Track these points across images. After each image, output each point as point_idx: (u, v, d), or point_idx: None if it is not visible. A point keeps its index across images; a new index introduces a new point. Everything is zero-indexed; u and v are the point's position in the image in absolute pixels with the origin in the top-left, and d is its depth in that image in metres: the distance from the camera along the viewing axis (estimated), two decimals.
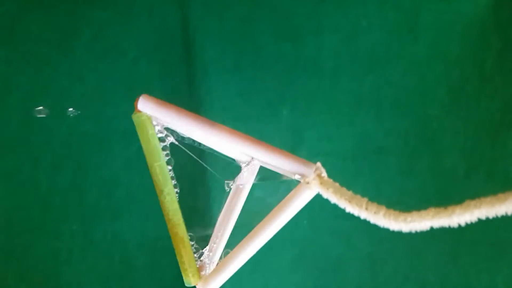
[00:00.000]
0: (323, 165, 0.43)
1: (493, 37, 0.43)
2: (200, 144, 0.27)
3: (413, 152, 0.43)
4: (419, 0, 0.44)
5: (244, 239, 0.28)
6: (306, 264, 0.42)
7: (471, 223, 0.41)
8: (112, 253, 0.42)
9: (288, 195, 0.25)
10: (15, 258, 0.43)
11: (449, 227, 0.41)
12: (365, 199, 0.20)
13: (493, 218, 0.41)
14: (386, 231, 0.42)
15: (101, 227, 0.43)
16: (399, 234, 0.42)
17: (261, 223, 0.27)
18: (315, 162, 0.24)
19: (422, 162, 0.43)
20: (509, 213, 0.17)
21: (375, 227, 0.42)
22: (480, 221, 0.42)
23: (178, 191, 0.27)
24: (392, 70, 0.43)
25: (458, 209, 0.18)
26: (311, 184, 0.22)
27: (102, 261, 0.42)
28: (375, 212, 0.20)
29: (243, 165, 0.27)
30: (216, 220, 0.30)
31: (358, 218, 0.42)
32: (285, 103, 0.43)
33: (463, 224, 0.18)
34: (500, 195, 0.17)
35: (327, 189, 0.22)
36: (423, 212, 0.19)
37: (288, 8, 0.43)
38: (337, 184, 0.22)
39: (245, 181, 0.28)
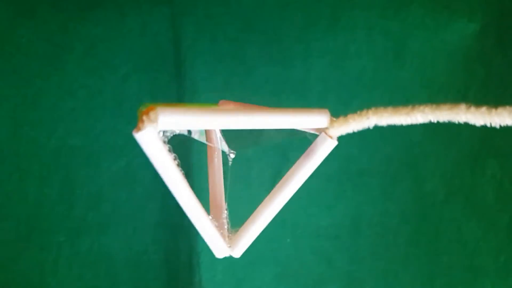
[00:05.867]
0: (309, 185, 0.44)
1: (477, 66, 0.44)
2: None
3: (395, 176, 0.44)
4: (407, 28, 0.44)
5: (270, 194, 0.29)
6: (288, 282, 0.43)
7: (447, 248, 0.43)
8: (98, 266, 0.43)
9: (310, 147, 0.27)
10: (1, 268, 0.43)
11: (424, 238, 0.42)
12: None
13: (469, 244, 0.43)
14: (366, 251, 0.43)
15: (88, 240, 0.43)
16: (379, 254, 0.43)
17: (286, 176, 0.29)
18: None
19: (403, 186, 0.44)
20: None
21: (355, 247, 0.44)
22: (456, 246, 0.43)
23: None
24: (377, 95, 0.44)
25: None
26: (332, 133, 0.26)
27: (87, 274, 0.43)
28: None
29: None
30: None
31: (339, 238, 0.44)
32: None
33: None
34: None
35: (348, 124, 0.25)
36: None
37: (278, 31, 0.44)
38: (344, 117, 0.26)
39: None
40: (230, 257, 0.43)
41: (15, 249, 0.43)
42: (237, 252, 0.31)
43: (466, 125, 0.44)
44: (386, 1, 0.44)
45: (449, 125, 0.44)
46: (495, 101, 0.44)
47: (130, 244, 0.44)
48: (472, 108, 0.23)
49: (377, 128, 0.45)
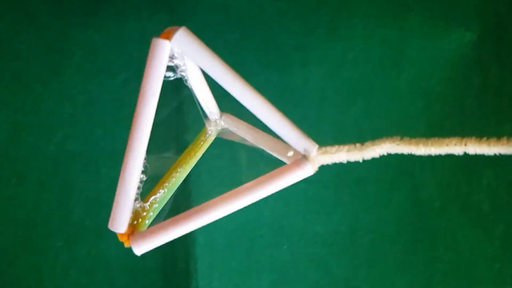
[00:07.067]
0: (306, 192, 0.44)
1: (474, 75, 0.45)
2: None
3: (392, 184, 0.44)
4: (405, 36, 0.45)
5: (220, 197, 0.26)
6: None
7: (443, 256, 0.43)
8: (95, 272, 0.43)
9: (285, 166, 0.26)
10: None
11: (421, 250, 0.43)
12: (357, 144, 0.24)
13: (464, 252, 0.43)
14: (363, 258, 0.43)
15: (85, 245, 0.43)
16: (375, 262, 0.43)
17: (247, 185, 0.26)
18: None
19: (400, 193, 0.44)
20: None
21: (352, 254, 0.44)
22: (452, 254, 0.44)
23: None
24: (375, 103, 0.44)
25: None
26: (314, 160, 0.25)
27: (84, 279, 0.43)
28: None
29: None
30: None
31: (336, 245, 0.44)
32: (271, 131, 0.44)
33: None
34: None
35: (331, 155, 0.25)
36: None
37: (277, 39, 0.44)
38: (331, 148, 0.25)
39: None
40: (227, 264, 0.44)
41: (13, 253, 0.43)
42: (138, 249, 0.26)
43: (463, 133, 0.44)
44: (384, 10, 0.45)
45: (446, 133, 0.45)
46: (491, 110, 0.45)
47: (127, 249, 0.43)
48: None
49: (373, 134, 0.45)
